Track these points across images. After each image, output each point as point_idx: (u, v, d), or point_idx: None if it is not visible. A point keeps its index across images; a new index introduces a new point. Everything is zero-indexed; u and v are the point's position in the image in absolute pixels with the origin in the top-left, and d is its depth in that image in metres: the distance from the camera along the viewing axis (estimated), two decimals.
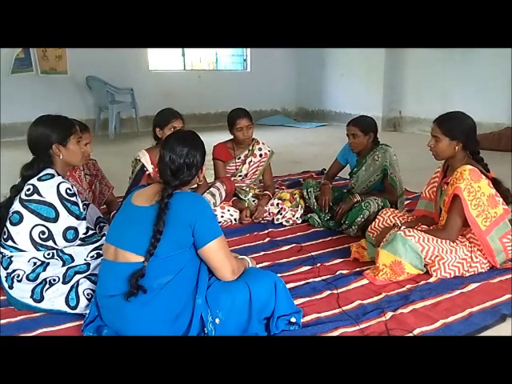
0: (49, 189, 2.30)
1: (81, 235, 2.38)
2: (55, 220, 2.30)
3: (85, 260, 2.35)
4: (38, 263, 2.30)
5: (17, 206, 2.30)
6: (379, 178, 3.55)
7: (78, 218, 2.36)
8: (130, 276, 1.89)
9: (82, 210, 2.41)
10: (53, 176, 2.34)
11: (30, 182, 2.32)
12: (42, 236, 2.29)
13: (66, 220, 2.32)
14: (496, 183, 2.72)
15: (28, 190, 2.30)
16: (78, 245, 2.38)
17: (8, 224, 2.31)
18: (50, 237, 2.30)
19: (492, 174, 2.74)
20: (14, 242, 2.30)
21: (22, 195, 2.30)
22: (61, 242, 2.33)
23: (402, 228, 2.70)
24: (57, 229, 2.31)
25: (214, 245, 1.98)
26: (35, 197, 2.29)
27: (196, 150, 2.09)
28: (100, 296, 2.04)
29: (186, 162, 2.05)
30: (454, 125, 2.68)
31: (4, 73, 7.79)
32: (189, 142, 2.09)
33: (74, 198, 2.35)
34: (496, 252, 2.69)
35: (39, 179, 2.32)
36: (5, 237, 2.32)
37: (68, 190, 2.33)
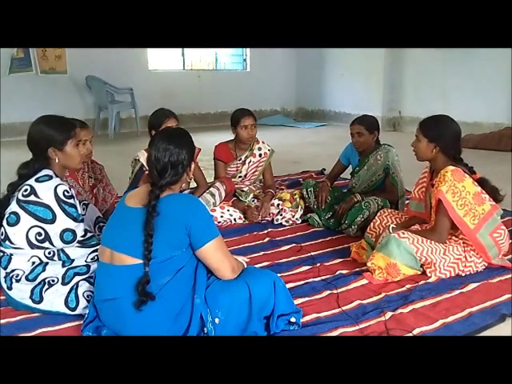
0: (46, 190, 2.28)
1: (79, 238, 2.36)
2: (52, 221, 2.28)
3: (85, 262, 2.35)
4: (38, 262, 2.30)
5: (14, 206, 2.29)
6: (381, 178, 3.56)
7: (75, 220, 2.34)
8: (136, 285, 1.87)
9: (79, 212, 2.40)
10: (51, 178, 2.32)
11: (28, 182, 2.31)
12: (38, 237, 2.27)
13: (63, 222, 2.30)
14: (483, 183, 2.72)
15: (25, 190, 2.29)
16: (77, 246, 2.37)
17: (5, 224, 2.30)
18: (47, 238, 2.29)
19: (477, 176, 2.74)
20: (11, 242, 2.29)
21: (20, 196, 2.29)
22: (58, 243, 2.31)
23: (390, 228, 2.70)
24: (54, 230, 2.29)
25: (211, 246, 1.97)
26: (32, 198, 2.27)
27: (181, 147, 2.03)
28: (98, 299, 2.02)
29: (171, 161, 1.99)
30: (434, 127, 2.70)
31: (2, 73, 7.78)
32: (173, 140, 2.03)
33: (71, 200, 2.33)
34: (488, 248, 2.69)
35: (37, 180, 2.30)
36: (2, 237, 2.31)
37: (65, 192, 2.31)
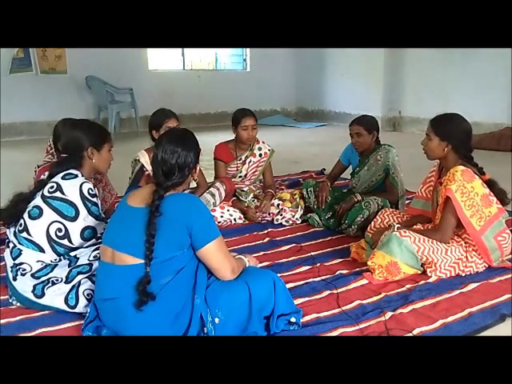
0: (71, 187, 2.35)
1: (98, 235, 2.42)
2: (74, 219, 2.34)
3: (88, 260, 2.36)
4: (46, 264, 2.31)
5: (38, 201, 2.34)
6: (381, 178, 3.56)
7: (97, 218, 2.42)
8: (137, 285, 1.87)
9: (101, 211, 2.47)
10: (76, 176, 2.40)
11: (54, 179, 2.37)
12: (58, 234, 2.32)
13: (84, 220, 2.37)
14: (491, 185, 2.72)
15: (51, 187, 2.35)
16: (90, 245, 2.40)
17: (26, 217, 2.33)
18: (66, 235, 2.33)
19: (486, 177, 2.74)
20: (28, 234, 2.31)
21: (45, 192, 2.35)
22: (77, 240, 2.36)
23: (396, 228, 2.71)
24: (75, 227, 2.34)
25: (212, 246, 1.97)
26: (58, 194, 2.33)
27: (188, 149, 2.04)
28: (99, 299, 2.02)
29: (178, 163, 2.00)
30: (446, 126, 2.69)
31: (2, 73, 7.78)
32: (181, 142, 2.03)
33: (94, 199, 2.41)
34: (491, 250, 2.69)
35: (63, 178, 2.37)
36: (20, 228, 2.33)
37: (90, 191, 2.39)
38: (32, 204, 2.35)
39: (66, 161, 2.46)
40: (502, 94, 7.71)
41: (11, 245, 2.35)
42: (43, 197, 2.34)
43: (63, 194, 2.34)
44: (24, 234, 2.32)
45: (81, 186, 2.37)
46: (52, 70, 8.27)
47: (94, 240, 2.42)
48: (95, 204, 2.41)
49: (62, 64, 8.34)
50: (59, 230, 2.32)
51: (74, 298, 2.25)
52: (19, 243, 2.32)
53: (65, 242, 2.33)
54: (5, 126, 7.97)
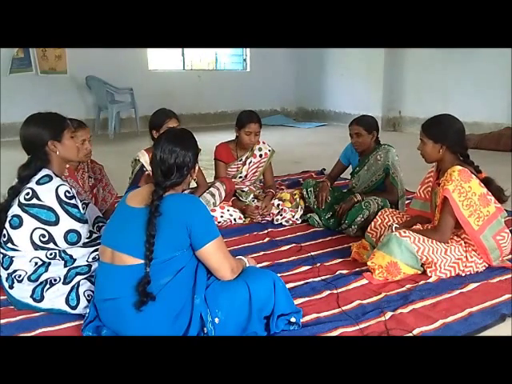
0: (47, 192, 2.28)
1: (84, 239, 2.37)
2: (56, 223, 2.28)
3: (87, 261, 2.35)
4: (40, 263, 2.30)
5: (16, 209, 2.28)
6: (381, 178, 3.56)
7: (79, 220, 2.35)
8: (136, 285, 1.87)
9: (82, 211, 2.40)
10: (51, 179, 2.31)
11: (29, 185, 2.29)
12: (42, 239, 2.27)
13: (66, 223, 2.30)
14: (488, 183, 2.72)
15: (27, 194, 2.28)
16: (79, 246, 2.37)
17: (8, 227, 2.29)
18: (51, 239, 2.29)
19: (483, 175, 2.75)
20: (13, 244, 2.29)
21: (22, 199, 2.28)
22: (62, 244, 2.32)
23: (394, 228, 2.71)
24: (58, 232, 2.29)
25: (211, 246, 1.97)
26: (34, 201, 2.26)
27: (187, 149, 2.03)
28: (98, 299, 2.02)
29: (177, 163, 1.99)
30: (437, 128, 2.70)
31: (2, 73, 7.78)
32: (180, 142, 2.03)
33: (73, 201, 2.33)
34: (490, 250, 2.70)
35: (38, 183, 2.29)
36: (4, 239, 2.30)
37: (67, 193, 2.31)
38: (11, 213, 2.28)
39: (31, 161, 2.34)
40: (502, 94, 7.71)
41: (0, 255, 2.32)
42: (20, 205, 2.27)
43: (39, 200, 2.26)
44: (9, 245, 2.29)
45: (56, 189, 2.28)
46: (52, 70, 8.26)
47: (81, 244, 2.37)
48: (75, 206, 2.33)
49: (62, 64, 8.33)
50: (42, 235, 2.27)
51: (75, 299, 2.24)
52: (7, 251, 2.30)
53: (50, 245, 2.29)
54: (5, 125, 7.96)
